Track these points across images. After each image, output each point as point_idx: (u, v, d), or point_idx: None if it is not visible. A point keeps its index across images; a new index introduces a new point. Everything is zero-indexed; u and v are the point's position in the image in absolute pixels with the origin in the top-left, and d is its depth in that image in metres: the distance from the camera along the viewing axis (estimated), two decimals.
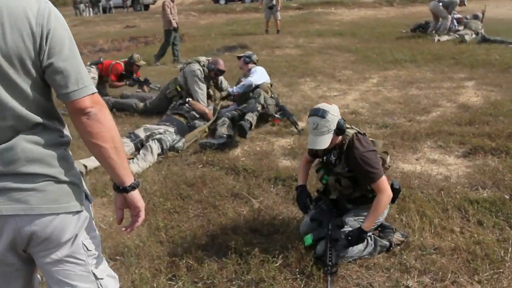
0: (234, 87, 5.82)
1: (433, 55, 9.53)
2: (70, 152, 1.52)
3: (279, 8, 14.47)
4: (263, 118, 5.54)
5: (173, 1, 10.64)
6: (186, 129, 5.23)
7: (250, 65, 6.09)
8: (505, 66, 8.25)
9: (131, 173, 1.53)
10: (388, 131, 5.21)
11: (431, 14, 12.67)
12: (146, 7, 27.86)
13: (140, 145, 4.84)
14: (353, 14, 20.29)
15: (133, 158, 4.65)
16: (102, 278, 1.58)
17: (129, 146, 4.75)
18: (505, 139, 4.64)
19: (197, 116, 5.36)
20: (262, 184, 4.00)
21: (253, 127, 5.05)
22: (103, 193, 4.00)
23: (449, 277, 2.66)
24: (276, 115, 5.60)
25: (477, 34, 11.73)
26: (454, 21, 12.46)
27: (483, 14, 12.42)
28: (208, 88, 6.11)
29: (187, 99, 5.51)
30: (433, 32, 12.66)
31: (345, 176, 2.83)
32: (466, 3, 12.58)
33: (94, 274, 1.55)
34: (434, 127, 5.16)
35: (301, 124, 5.44)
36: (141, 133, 4.93)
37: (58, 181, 1.41)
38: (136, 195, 1.55)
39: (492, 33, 11.77)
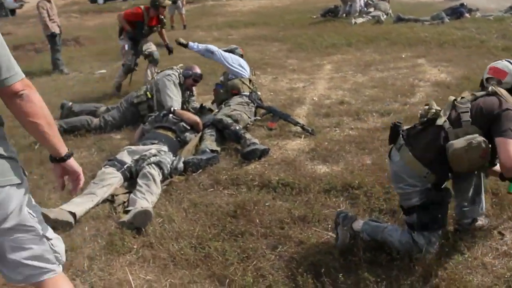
0: (196, 44, 5.58)
1: (366, 37, 9.52)
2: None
3: (184, 3, 13.50)
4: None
5: (49, 2, 8.81)
6: (177, 145, 4.27)
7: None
8: (440, 42, 8.49)
9: (64, 144, 1.72)
10: (397, 117, 4.81)
11: None
12: (12, 12, 24.39)
13: (128, 173, 3.79)
14: (249, 4, 19.97)
15: (128, 192, 3.60)
16: (51, 239, 1.73)
17: (116, 176, 3.67)
18: None
19: (187, 127, 4.40)
20: (320, 199, 3.29)
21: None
22: None
23: None
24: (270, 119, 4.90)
25: (386, 14, 12.10)
26: (362, 3, 12.76)
27: None
28: (183, 103, 5.28)
29: (171, 108, 4.49)
30: (344, 15, 12.85)
31: None
32: None
33: (45, 236, 1.69)
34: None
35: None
36: (126, 157, 3.87)
37: (1, 156, 1.54)
38: (73, 162, 1.76)
39: (398, 13, 12.29)
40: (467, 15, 10.97)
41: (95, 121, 5.18)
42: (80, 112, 5.60)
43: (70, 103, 5.69)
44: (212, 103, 5.51)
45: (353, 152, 4.11)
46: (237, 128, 4.33)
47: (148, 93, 5.25)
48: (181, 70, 5.43)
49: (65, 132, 4.92)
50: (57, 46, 8.93)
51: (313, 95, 5.94)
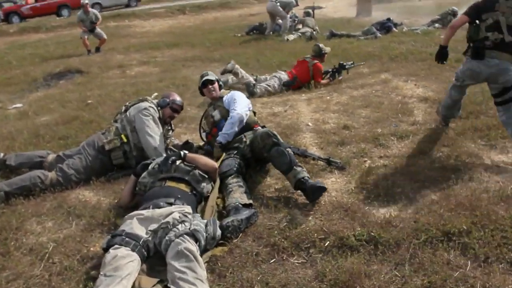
0: (221, 135, 4.02)
1: (331, 55, 9.09)
2: None
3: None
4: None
5: None
6: (195, 201, 3.24)
7: (223, 91, 4.43)
8: (390, 56, 8.39)
9: None
10: (417, 139, 4.33)
11: (269, 14, 12.44)
12: None
13: (146, 251, 2.71)
14: (156, 24, 18.87)
15: (160, 282, 2.54)
16: None
17: (133, 259, 2.58)
18: None
19: (204, 175, 3.39)
20: (427, 256, 2.58)
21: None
22: None
23: None
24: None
25: (314, 30, 11.97)
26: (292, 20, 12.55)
27: (313, 10, 12.85)
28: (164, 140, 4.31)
29: (182, 153, 3.43)
30: (271, 33, 12.49)
31: None
32: (298, 3, 12.77)
33: None
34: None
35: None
36: (138, 229, 2.77)
37: None
38: None
39: (323, 29, 12.29)
40: (394, 29, 11.22)
41: (50, 176, 3.90)
42: (19, 165, 4.27)
43: (1, 154, 4.32)
44: (203, 146, 4.50)
45: (407, 186, 3.49)
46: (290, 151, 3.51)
47: (122, 135, 4.13)
48: (156, 101, 4.41)
49: (8, 197, 3.65)
50: None
51: (304, 120, 5.25)
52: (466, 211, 3.00)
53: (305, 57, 6.93)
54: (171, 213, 2.85)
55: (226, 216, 3.10)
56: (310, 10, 12.82)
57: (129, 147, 4.14)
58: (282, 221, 3.10)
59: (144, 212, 2.88)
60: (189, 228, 2.72)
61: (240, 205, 3.14)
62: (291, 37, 11.42)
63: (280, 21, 12.59)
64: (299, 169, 3.40)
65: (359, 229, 2.89)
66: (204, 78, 4.34)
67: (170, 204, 2.96)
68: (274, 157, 3.48)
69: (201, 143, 4.55)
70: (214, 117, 4.23)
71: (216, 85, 4.32)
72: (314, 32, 11.82)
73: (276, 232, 2.96)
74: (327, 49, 6.93)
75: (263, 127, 4.24)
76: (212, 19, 19.12)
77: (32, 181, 3.83)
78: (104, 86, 7.95)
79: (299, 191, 3.38)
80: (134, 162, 4.19)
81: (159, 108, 4.30)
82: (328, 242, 2.81)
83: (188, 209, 2.94)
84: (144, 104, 4.23)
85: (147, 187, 3.27)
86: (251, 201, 3.25)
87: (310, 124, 5.10)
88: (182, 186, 3.21)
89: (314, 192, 3.26)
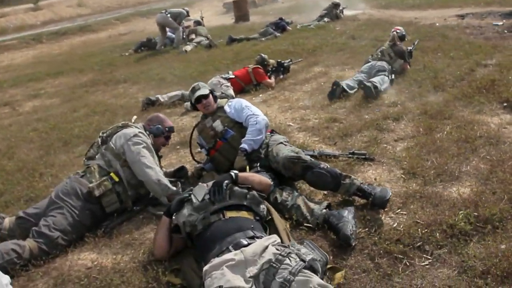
0: (245, 142, 3.43)
1: (232, 60, 8.77)
2: None
3: None
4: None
5: None
6: (263, 228, 2.64)
7: (219, 101, 3.85)
8: (309, 51, 8.44)
9: None
10: (411, 116, 4.29)
11: (159, 27, 11.73)
12: None
13: None
14: (15, 57, 16.60)
15: None
16: None
17: None
18: None
19: (263, 195, 2.80)
20: None
21: None
22: None
23: None
24: None
25: (208, 38, 11.62)
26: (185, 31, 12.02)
27: (202, 19, 12.49)
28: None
29: (233, 173, 2.75)
30: (162, 47, 11.83)
31: None
32: (189, 14, 12.23)
33: None
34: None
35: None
36: (236, 280, 2.06)
37: None
38: None
39: (213, 37, 12.02)
40: (288, 27, 11.44)
41: (28, 245, 2.91)
42: None
43: None
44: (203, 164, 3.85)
45: (450, 161, 3.35)
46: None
47: (113, 174, 3.30)
48: (140, 124, 3.65)
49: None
50: None
51: (281, 121, 4.88)
52: None
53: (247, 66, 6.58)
54: (265, 248, 2.24)
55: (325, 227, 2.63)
56: (200, 19, 12.40)
57: (122, 187, 3.32)
58: (365, 226, 2.70)
59: (231, 256, 2.22)
60: (303, 260, 2.16)
61: (328, 210, 2.72)
62: (189, 48, 10.87)
63: (169, 33, 11.97)
64: (348, 181, 2.95)
65: (461, 212, 2.63)
66: (196, 94, 3.70)
67: (252, 237, 2.35)
68: (313, 182, 3.05)
69: (196, 165, 3.90)
70: (216, 128, 3.62)
71: (210, 98, 3.72)
72: (207, 41, 11.43)
73: (371, 239, 2.55)
74: (271, 61, 6.62)
75: (272, 131, 3.74)
76: (80, 44, 17.46)
77: (5, 258, 2.82)
78: (2, 129, 6.55)
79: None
80: (131, 204, 3.40)
81: (147, 132, 3.55)
82: (438, 234, 2.50)
83: (275, 237, 2.37)
84: (132, 131, 3.44)
85: (198, 226, 2.57)
86: (326, 202, 2.83)
87: (291, 123, 4.75)
88: (245, 214, 2.60)
89: (383, 204, 2.81)
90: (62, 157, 4.92)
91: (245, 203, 2.67)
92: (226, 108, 3.68)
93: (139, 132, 3.44)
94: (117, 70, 9.96)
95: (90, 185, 3.20)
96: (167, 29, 11.75)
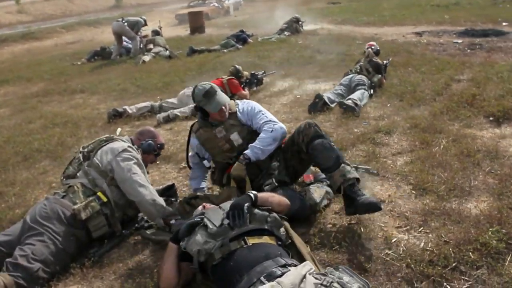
0: (252, 149, 2.98)
1: (196, 70, 8.50)
2: None
3: None
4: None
5: None
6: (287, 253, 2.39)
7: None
8: (276, 64, 8.33)
9: None
10: (403, 129, 4.23)
11: (114, 36, 11.20)
12: None
13: None
14: None
15: None
16: None
17: None
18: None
19: (284, 216, 2.53)
20: None
21: None
22: None
23: None
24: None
25: (166, 49, 11.26)
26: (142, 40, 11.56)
27: (160, 29, 12.12)
28: None
29: (252, 194, 2.45)
30: (117, 56, 11.31)
31: None
32: (147, 23, 11.75)
33: None
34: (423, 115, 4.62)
35: None
36: None
37: None
38: None
39: (172, 47, 11.72)
40: (250, 40, 11.33)
41: (3, 281, 2.46)
42: None
43: None
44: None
45: (457, 174, 3.27)
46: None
47: (100, 194, 2.92)
48: (127, 137, 3.29)
49: None
50: None
51: None
52: None
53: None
54: (303, 277, 1.99)
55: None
56: (158, 29, 12.00)
57: (110, 208, 2.94)
58: (390, 247, 2.53)
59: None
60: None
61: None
62: (147, 58, 10.45)
63: (125, 43, 11.47)
64: (348, 168, 2.75)
65: (490, 229, 2.51)
66: (216, 101, 3.05)
67: (284, 266, 2.09)
68: (317, 151, 2.78)
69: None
70: (235, 142, 3.12)
71: (227, 104, 3.16)
72: (167, 52, 11.06)
73: (404, 261, 2.37)
74: (245, 73, 6.39)
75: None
76: (24, 52, 16.37)
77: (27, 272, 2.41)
78: None
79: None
80: (120, 227, 3.02)
81: (135, 147, 3.19)
82: (471, 253, 2.36)
83: (310, 265, 2.12)
84: (120, 145, 3.07)
85: (216, 255, 2.25)
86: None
87: None
88: (267, 239, 2.33)
89: (368, 208, 2.62)
90: (23, 173, 4.40)
91: (266, 227, 2.40)
92: (239, 113, 3.17)
93: (128, 146, 3.08)
94: (71, 79, 9.34)
95: (75, 206, 2.80)
96: (124, 38, 11.24)
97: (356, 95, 5.15)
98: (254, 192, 2.50)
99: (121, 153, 2.99)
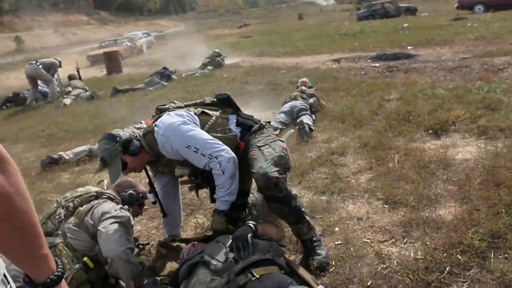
0: (220, 201, 2.65)
1: (133, 110, 8.20)
2: None
3: None
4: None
5: None
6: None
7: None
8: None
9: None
10: (358, 153, 4.43)
11: (28, 80, 10.53)
12: None
13: None
14: None
15: None
16: None
17: None
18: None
19: (284, 245, 2.48)
20: None
21: None
22: None
23: None
24: None
25: (86, 90, 10.84)
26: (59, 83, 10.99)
27: (78, 71, 11.64)
28: None
29: (252, 224, 2.33)
30: (33, 102, 10.65)
31: None
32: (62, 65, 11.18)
33: None
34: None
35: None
36: None
37: None
38: None
39: (92, 88, 11.33)
40: (174, 76, 11.28)
41: None
42: None
43: None
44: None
45: (421, 187, 3.47)
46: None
47: (87, 259, 2.54)
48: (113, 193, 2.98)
49: None
50: None
51: None
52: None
53: None
54: None
55: None
56: (76, 71, 11.49)
57: (95, 273, 2.60)
58: (383, 261, 2.59)
59: None
60: None
61: None
62: (68, 101, 9.96)
63: (41, 87, 10.84)
64: (305, 229, 2.70)
65: (472, 230, 2.68)
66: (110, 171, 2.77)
67: None
68: (274, 211, 2.70)
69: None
70: (183, 174, 2.80)
71: (129, 164, 2.75)
72: (87, 93, 10.63)
73: (402, 272, 2.44)
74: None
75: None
76: None
77: None
78: None
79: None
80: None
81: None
82: (459, 256, 2.50)
83: None
84: (108, 205, 2.73)
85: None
86: None
87: None
88: (272, 269, 2.26)
89: (321, 267, 2.60)
90: None
91: (268, 257, 2.34)
92: (163, 152, 2.66)
93: (122, 208, 2.76)
94: None
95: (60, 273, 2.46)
96: (39, 81, 10.60)
97: (305, 120, 5.27)
98: (254, 222, 2.44)
99: (110, 210, 2.66)
